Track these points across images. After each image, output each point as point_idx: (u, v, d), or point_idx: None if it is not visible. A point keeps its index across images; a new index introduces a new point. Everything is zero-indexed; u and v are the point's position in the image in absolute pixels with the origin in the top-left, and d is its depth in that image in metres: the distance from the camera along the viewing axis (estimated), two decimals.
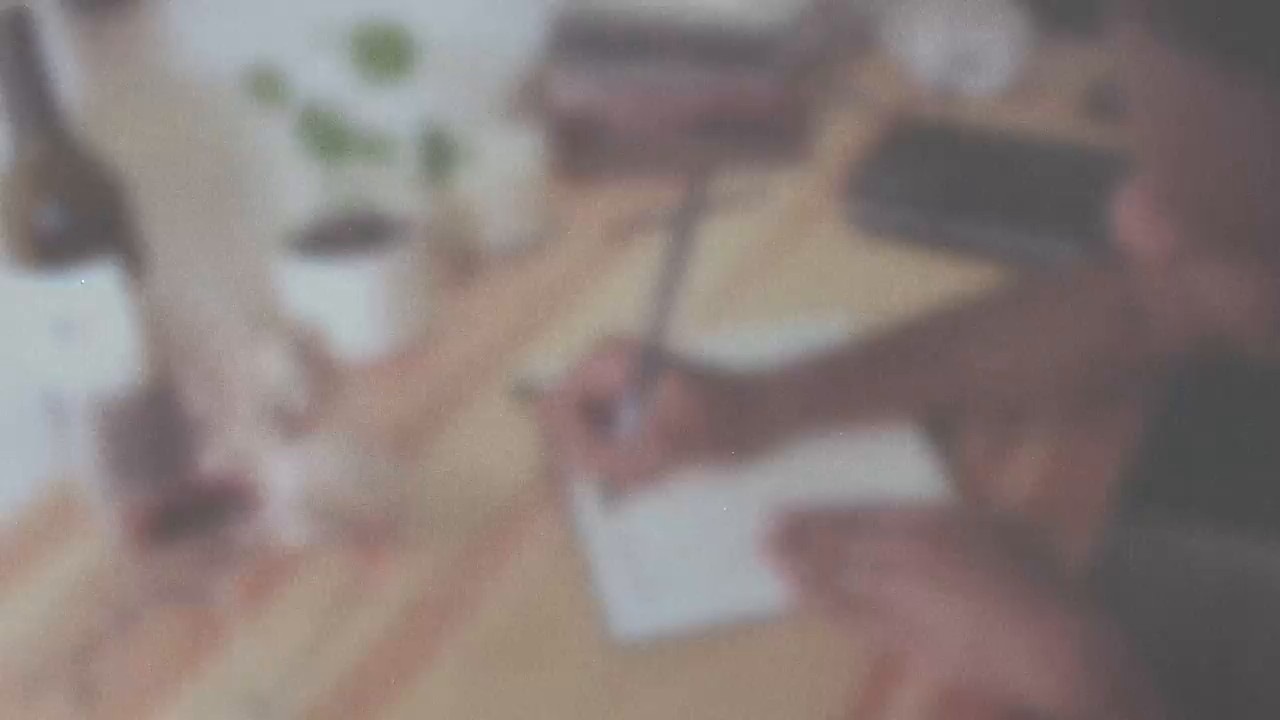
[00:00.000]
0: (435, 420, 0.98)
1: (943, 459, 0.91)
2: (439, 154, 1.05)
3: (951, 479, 0.90)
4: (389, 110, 0.99)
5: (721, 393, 0.89)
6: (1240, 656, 0.96)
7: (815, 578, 0.82)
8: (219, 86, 1.01)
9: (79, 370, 0.89)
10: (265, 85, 0.96)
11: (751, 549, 0.84)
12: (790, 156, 1.27)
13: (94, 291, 0.88)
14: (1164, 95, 0.54)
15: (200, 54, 1.02)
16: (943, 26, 1.35)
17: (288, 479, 0.86)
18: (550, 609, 0.83)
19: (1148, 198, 0.58)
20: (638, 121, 1.27)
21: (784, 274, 1.13)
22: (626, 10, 1.27)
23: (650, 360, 0.87)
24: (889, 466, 0.91)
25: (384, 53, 0.98)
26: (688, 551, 0.86)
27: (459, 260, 1.14)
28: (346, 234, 1.03)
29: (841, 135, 1.30)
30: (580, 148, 1.27)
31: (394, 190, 1.05)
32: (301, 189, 1.03)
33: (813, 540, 0.83)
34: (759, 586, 0.83)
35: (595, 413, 0.89)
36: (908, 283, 1.08)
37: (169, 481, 0.72)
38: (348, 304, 1.02)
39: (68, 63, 0.91)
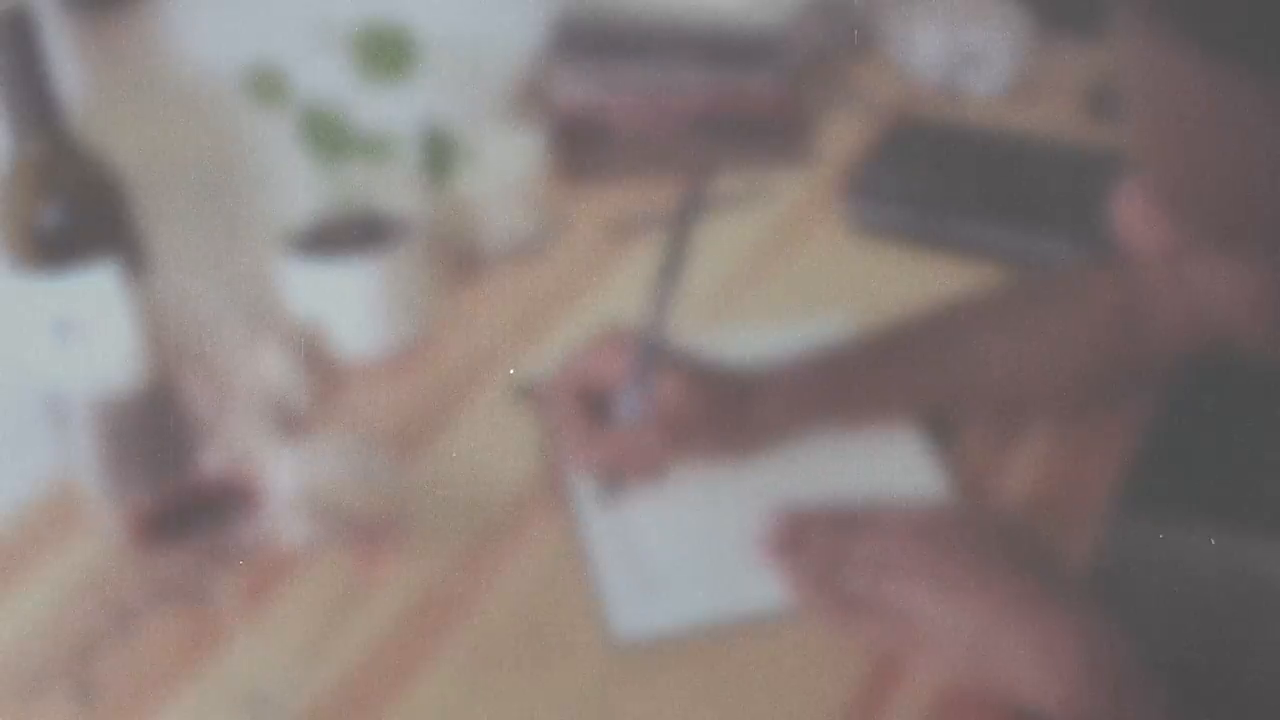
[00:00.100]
0: (435, 420, 0.98)
1: (943, 459, 0.91)
2: (439, 154, 1.05)
3: (951, 479, 0.90)
4: (389, 110, 0.99)
5: (721, 387, 0.89)
6: (1240, 656, 0.96)
7: (815, 578, 0.81)
8: (219, 86, 1.01)
9: (79, 370, 0.89)
10: (265, 85, 0.96)
11: (752, 549, 0.84)
12: (790, 156, 1.27)
13: (94, 291, 0.88)
14: (1161, 89, 0.54)
15: (200, 54, 1.02)
16: (943, 26, 1.34)
17: (288, 479, 0.86)
18: (550, 609, 0.83)
19: (1146, 194, 0.58)
20: (638, 121, 1.27)
21: (784, 274, 1.13)
22: (627, 10, 1.27)
23: (649, 351, 0.87)
24: (889, 466, 0.91)
25: (384, 53, 0.98)
26: (688, 551, 0.86)
27: (459, 260, 1.14)
28: (346, 234, 1.03)
29: (841, 135, 1.30)
30: (581, 148, 1.27)
31: (394, 190, 1.05)
32: (301, 189, 1.03)
33: (813, 540, 0.83)
34: (759, 586, 0.83)
35: (594, 404, 0.89)
36: (908, 283, 1.08)
37: (169, 481, 0.72)
38: (348, 304, 1.02)
39: (68, 63, 0.91)
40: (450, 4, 1.18)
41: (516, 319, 1.09)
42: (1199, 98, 0.53)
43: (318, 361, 1.00)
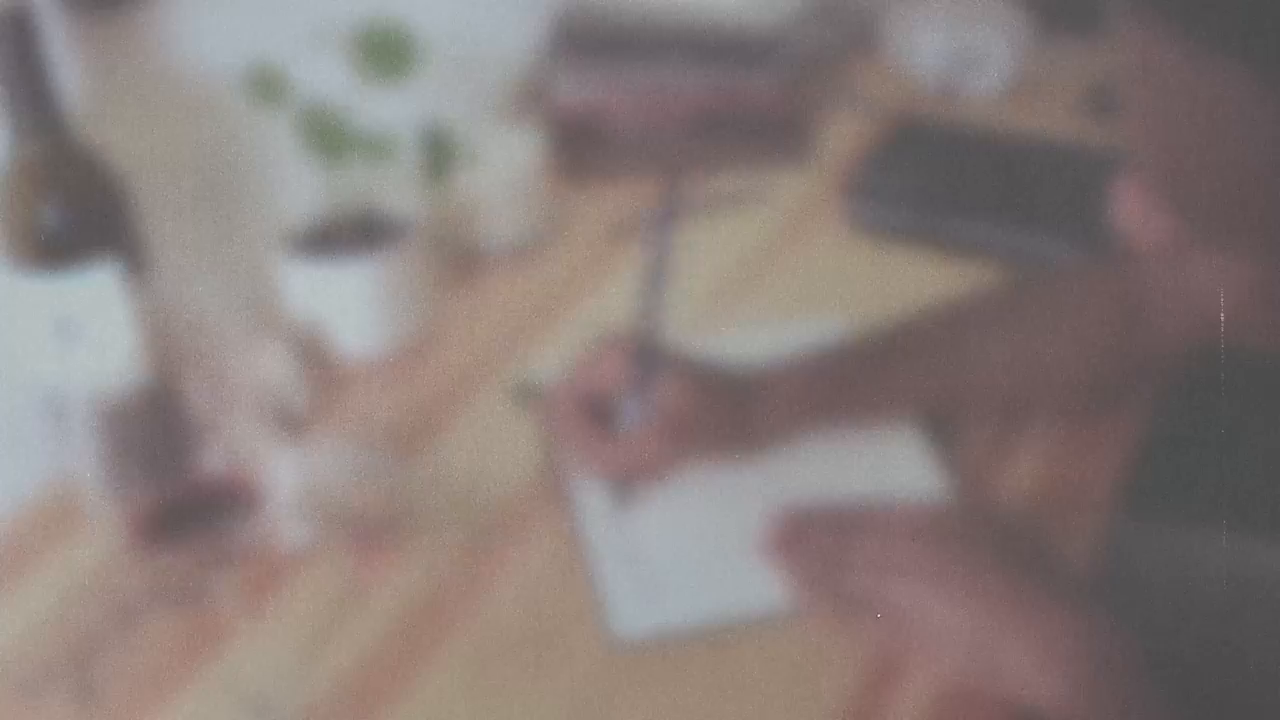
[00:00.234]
0: (435, 420, 0.98)
1: (943, 459, 0.91)
2: (439, 154, 1.05)
3: (951, 479, 0.90)
4: (389, 110, 0.99)
5: (722, 388, 0.89)
6: (1240, 656, 0.96)
7: (815, 578, 0.82)
8: (219, 86, 1.01)
9: (79, 370, 0.89)
10: (265, 85, 0.96)
11: (752, 549, 0.84)
12: (790, 156, 1.27)
13: (94, 291, 0.88)
14: (1157, 84, 0.54)
15: (200, 54, 1.02)
16: (943, 27, 1.35)
17: (288, 479, 0.86)
18: (551, 609, 0.83)
19: (1144, 188, 0.58)
20: (638, 121, 1.27)
21: (784, 274, 1.13)
22: (627, 10, 1.27)
23: (647, 356, 0.87)
24: (889, 466, 0.91)
25: (384, 53, 0.98)
26: (688, 551, 0.86)
27: (459, 260, 1.14)
28: (346, 234, 1.03)
29: (842, 135, 1.30)
30: (580, 147, 1.27)
31: (394, 190, 1.05)
32: (301, 189, 1.03)
33: (813, 540, 0.83)
34: (759, 587, 0.83)
35: (596, 411, 0.89)
36: (908, 283, 1.08)
37: (169, 481, 0.72)
38: (348, 304, 1.02)
39: (68, 63, 0.91)
40: (450, 4, 1.18)
41: (516, 319, 1.09)
42: (1191, 91, 0.53)
43: (317, 362, 1.00)
